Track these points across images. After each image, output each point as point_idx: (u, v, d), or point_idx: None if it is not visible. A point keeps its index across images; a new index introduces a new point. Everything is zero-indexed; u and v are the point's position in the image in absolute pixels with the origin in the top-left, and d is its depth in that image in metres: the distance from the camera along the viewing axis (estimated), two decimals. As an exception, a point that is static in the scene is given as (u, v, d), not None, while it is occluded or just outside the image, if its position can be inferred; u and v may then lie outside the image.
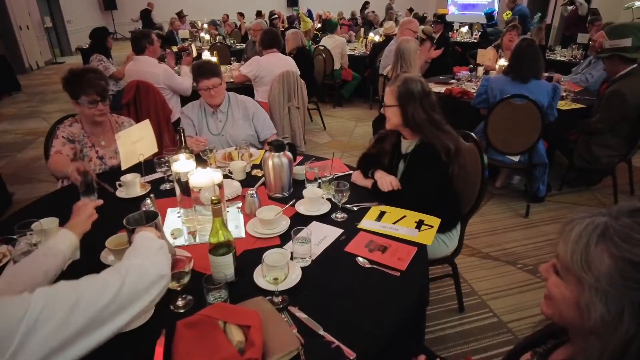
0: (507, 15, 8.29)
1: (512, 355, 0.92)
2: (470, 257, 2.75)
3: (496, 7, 13.25)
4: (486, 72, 4.45)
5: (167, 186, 1.95)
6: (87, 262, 1.40)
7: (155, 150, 1.94)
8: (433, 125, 1.79)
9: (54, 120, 2.44)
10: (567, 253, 0.69)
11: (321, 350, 1.04)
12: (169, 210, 1.75)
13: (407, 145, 1.90)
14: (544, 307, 0.77)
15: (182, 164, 1.55)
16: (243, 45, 7.68)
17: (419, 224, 1.60)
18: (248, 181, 1.99)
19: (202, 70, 2.43)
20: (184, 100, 3.92)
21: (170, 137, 3.43)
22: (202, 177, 1.49)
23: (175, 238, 1.55)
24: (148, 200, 1.61)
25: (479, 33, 8.69)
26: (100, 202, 1.46)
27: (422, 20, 8.37)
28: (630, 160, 3.52)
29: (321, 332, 1.09)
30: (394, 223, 1.61)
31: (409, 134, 1.88)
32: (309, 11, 13.13)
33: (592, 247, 0.66)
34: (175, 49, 6.95)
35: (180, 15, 9.53)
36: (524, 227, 3.15)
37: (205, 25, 9.74)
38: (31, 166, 4.54)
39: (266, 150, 1.86)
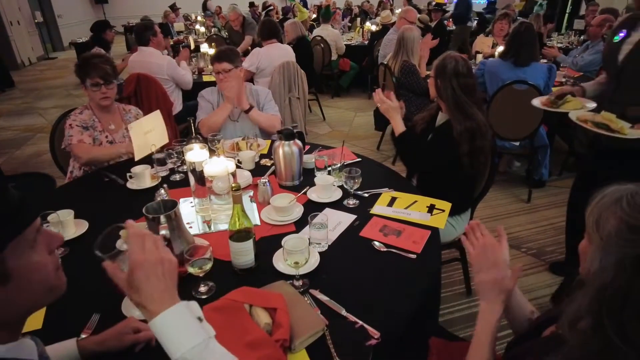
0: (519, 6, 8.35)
1: (535, 328, 0.95)
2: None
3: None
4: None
5: (177, 177, 1.96)
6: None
7: (167, 141, 1.94)
8: (457, 104, 1.84)
9: (50, 116, 2.48)
10: (587, 213, 0.77)
11: (345, 330, 1.06)
12: (181, 200, 1.76)
13: (440, 118, 1.97)
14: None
15: (195, 153, 1.56)
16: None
17: (431, 208, 1.63)
18: (257, 171, 2.01)
19: (217, 54, 2.48)
20: (186, 94, 3.92)
21: (172, 130, 3.42)
22: (217, 166, 1.51)
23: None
24: (162, 191, 1.62)
25: (475, 20, 8.67)
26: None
27: (418, 9, 8.34)
28: None
29: (344, 313, 1.12)
30: (405, 208, 1.63)
31: (444, 108, 1.94)
32: (304, 0, 13.03)
33: (605, 209, 0.74)
34: (171, 41, 6.89)
35: (174, 8, 9.43)
36: (526, 212, 3.19)
37: (200, 18, 9.66)
38: (30, 162, 4.52)
39: (275, 140, 1.87)
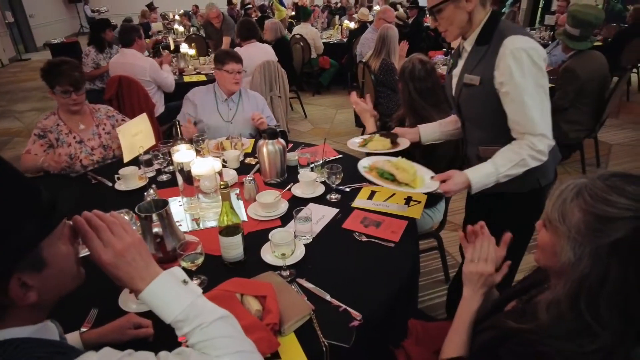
0: None
1: (499, 303, 1.05)
2: (452, 232, 2.92)
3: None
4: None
5: (164, 177, 2.02)
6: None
7: (153, 142, 2.00)
8: (411, 106, 1.97)
9: (27, 119, 2.48)
10: (549, 208, 0.83)
11: (330, 314, 1.16)
12: (169, 199, 1.81)
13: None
14: (535, 254, 0.92)
15: (183, 154, 1.62)
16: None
17: (408, 200, 1.73)
18: (242, 169, 2.07)
19: (233, 54, 2.57)
20: (167, 96, 3.93)
21: (156, 132, 3.44)
22: (204, 166, 1.57)
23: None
24: (151, 191, 1.68)
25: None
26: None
27: (394, 7, 8.47)
28: (596, 137, 3.77)
29: (328, 298, 1.21)
30: (384, 201, 1.73)
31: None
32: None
33: (568, 202, 0.80)
34: (148, 41, 6.83)
35: (151, 7, 9.32)
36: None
37: (177, 17, 9.57)
38: (10, 167, 4.45)
39: (259, 139, 1.95)
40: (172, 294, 0.77)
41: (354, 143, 1.84)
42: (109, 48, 4.53)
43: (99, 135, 2.33)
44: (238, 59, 2.55)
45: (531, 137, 1.34)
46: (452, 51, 1.64)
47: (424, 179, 1.47)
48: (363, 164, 1.56)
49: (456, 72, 1.54)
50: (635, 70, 5.83)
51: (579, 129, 3.46)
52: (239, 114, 2.64)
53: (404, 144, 1.78)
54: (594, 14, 3.15)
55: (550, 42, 5.26)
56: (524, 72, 1.30)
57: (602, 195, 0.76)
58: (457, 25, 1.42)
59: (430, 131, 1.79)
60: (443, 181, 1.40)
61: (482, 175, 1.37)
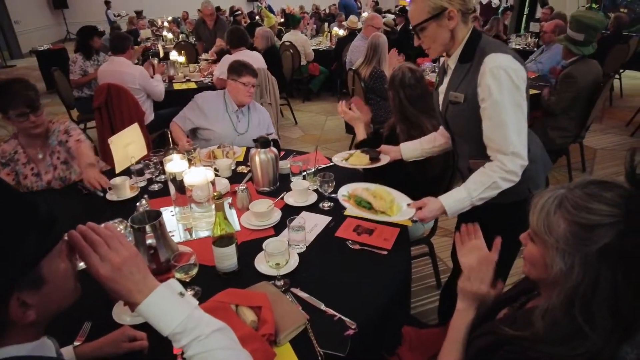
0: None
1: (491, 310, 1.07)
2: (443, 237, 2.95)
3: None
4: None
5: (155, 187, 2.01)
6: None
7: (145, 152, 1.99)
8: (402, 113, 2.00)
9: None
10: (534, 221, 0.85)
11: (325, 323, 1.17)
12: (161, 209, 1.80)
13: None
14: (524, 267, 0.94)
15: (175, 163, 1.62)
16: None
17: (400, 208, 1.75)
18: (234, 178, 2.08)
19: (250, 67, 2.56)
20: (157, 104, 3.92)
21: (145, 140, 3.43)
22: (197, 176, 1.57)
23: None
24: (143, 201, 1.67)
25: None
26: None
27: (380, 12, 8.57)
28: (582, 142, 3.85)
29: (323, 307, 1.22)
30: (377, 208, 1.75)
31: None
32: (269, 6, 13.08)
33: (552, 214, 0.82)
34: (137, 48, 6.80)
35: (140, 15, 9.28)
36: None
37: (166, 24, 9.54)
38: (-5, 176, 4.38)
39: (251, 148, 1.96)
40: (169, 306, 0.77)
41: (339, 158, 1.91)
42: (96, 55, 4.52)
43: (54, 167, 2.15)
44: (254, 73, 2.55)
45: (502, 157, 1.35)
46: (441, 59, 1.67)
47: (401, 207, 1.52)
48: (342, 192, 1.62)
49: (442, 89, 1.56)
50: (617, 76, 5.97)
51: (566, 135, 3.53)
52: (251, 126, 2.64)
53: (384, 160, 1.85)
54: (598, 19, 3.22)
55: (535, 49, 5.37)
56: (502, 90, 1.31)
57: (583, 204, 0.78)
58: (440, 43, 1.43)
59: (412, 148, 1.85)
60: (419, 208, 1.43)
61: (455, 200, 1.40)
